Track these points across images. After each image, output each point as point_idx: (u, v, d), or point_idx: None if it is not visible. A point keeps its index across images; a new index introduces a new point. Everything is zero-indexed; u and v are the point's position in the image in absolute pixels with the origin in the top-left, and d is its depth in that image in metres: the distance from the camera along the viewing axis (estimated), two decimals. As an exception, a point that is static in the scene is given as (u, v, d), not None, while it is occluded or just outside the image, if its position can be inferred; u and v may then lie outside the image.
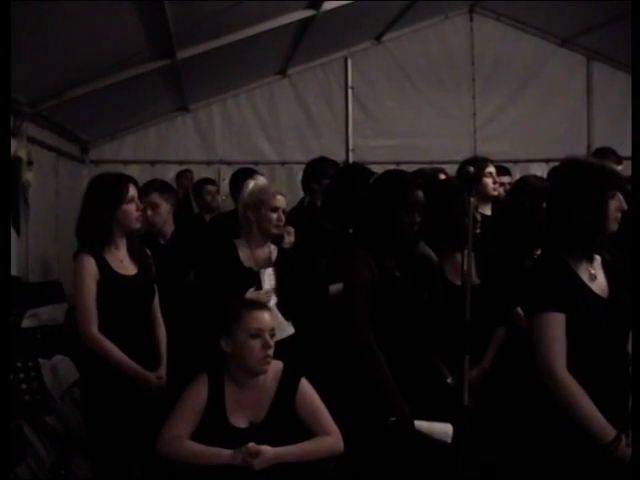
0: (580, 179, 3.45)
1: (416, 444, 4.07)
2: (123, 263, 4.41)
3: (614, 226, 3.50)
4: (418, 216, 4.21)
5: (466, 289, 3.51)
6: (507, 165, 7.71)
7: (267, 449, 3.66)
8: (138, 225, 4.46)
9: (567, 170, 3.55)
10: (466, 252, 3.86)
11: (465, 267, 3.68)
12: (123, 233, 4.43)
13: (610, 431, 3.35)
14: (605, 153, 6.68)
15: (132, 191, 4.40)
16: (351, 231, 4.91)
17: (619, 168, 6.49)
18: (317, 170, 5.96)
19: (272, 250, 4.80)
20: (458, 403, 3.65)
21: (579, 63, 9.67)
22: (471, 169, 3.77)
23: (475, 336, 3.94)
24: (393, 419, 4.07)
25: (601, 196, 3.43)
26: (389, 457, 4.11)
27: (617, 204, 3.47)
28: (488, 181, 5.98)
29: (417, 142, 9.26)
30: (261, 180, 4.90)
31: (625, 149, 8.32)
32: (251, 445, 3.64)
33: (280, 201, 4.77)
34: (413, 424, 4.05)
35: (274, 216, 4.72)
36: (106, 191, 4.37)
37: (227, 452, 3.65)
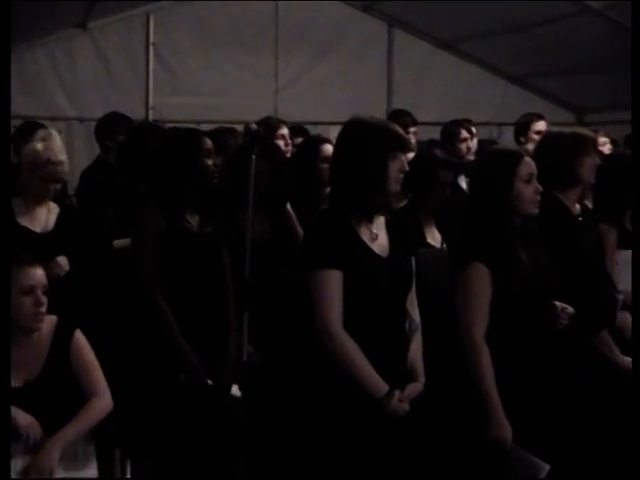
0: (361, 139, 3.51)
1: (211, 399, 4.11)
2: None
3: (395, 187, 3.56)
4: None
5: (246, 247, 3.54)
6: (308, 127, 7.79)
7: (48, 445, 3.63)
8: None
9: (350, 129, 3.60)
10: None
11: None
12: None
13: (383, 386, 3.43)
14: (400, 115, 6.85)
15: None
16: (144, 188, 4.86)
17: (413, 130, 6.69)
18: (110, 127, 5.88)
19: (51, 208, 4.63)
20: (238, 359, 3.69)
21: (380, 29, 9.83)
22: (253, 126, 3.78)
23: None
24: (184, 376, 4.08)
25: (381, 156, 3.48)
26: (182, 414, 4.11)
27: (399, 165, 3.53)
28: (280, 143, 6.00)
29: (218, 101, 9.17)
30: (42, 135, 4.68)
31: (422, 114, 8.58)
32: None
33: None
34: (206, 380, 4.07)
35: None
36: None
37: None
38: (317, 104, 9.41)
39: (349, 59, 9.63)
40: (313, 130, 8.29)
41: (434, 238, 4.93)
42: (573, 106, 10.17)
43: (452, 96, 9.62)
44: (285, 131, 6.16)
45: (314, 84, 9.51)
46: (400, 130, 3.64)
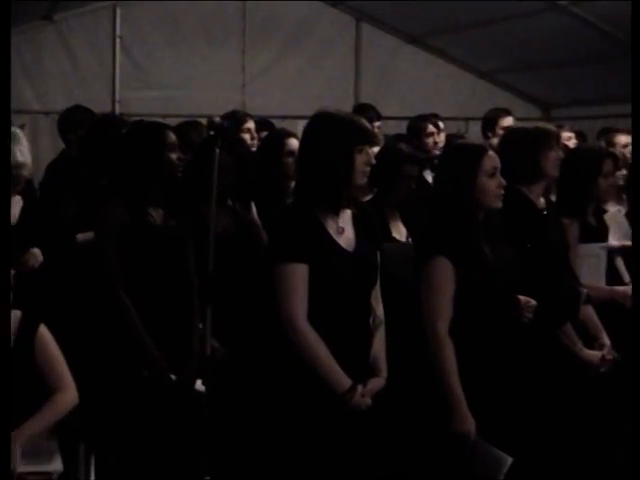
0: (327, 132, 3.50)
1: (174, 394, 4.10)
2: None
3: (361, 180, 3.55)
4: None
5: (210, 241, 3.52)
6: (275, 121, 7.76)
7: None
8: None
9: (316, 123, 3.59)
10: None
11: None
12: None
13: (346, 381, 3.42)
14: (365, 109, 6.85)
15: None
16: (106, 182, 4.85)
17: (377, 124, 6.69)
18: (73, 120, 5.86)
19: (15, 201, 4.58)
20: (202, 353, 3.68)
21: (348, 23, 9.85)
22: (217, 119, 3.76)
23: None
24: (146, 371, 4.07)
25: (347, 149, 3.47)
26: (146, 410, 4.10)
27: (365, 158, 3.52)
28: (246, 137, 5.99)
29: (185, 95, 9.15)
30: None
31: (389, 109, 8.62)
32: None
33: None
34: (169, 375, 4.08)
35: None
36: None
37: None
38: (284, 98, 9.41)
39: (316, 53, 9.66)
40: (280, 124, 8.28)
41: (399, 232, 4.93)
42: (540, 101, 10.23)
43: (419, 91, 9.66)
44: (251, 125, 6.14)
45: (281, 78, 9.51)
46: (367, 123, 3.63)
